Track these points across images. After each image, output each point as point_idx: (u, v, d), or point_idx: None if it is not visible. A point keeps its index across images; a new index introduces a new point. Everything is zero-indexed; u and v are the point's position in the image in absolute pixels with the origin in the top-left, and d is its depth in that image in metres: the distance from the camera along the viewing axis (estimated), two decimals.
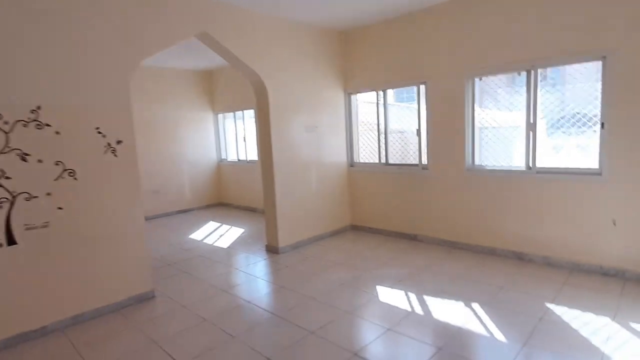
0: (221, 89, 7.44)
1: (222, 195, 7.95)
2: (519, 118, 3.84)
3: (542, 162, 3.74)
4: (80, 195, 2.97)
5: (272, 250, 4.57)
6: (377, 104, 4.91)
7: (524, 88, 3.73)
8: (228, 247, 4.90)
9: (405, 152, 4.81)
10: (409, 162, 4.78)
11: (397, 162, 4.89)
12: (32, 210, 2.75)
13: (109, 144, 3.10)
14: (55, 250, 2.86)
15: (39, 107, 2.76)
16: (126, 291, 3.24)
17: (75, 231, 2.95)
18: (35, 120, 2.74)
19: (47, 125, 2.80)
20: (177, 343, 2.65)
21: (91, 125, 3.01)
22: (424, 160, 4.56)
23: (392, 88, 4.78)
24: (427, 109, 4.40)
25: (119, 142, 3.15)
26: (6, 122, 2.62)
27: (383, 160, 4.97)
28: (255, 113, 6.59)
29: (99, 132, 3.05)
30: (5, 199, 2.63)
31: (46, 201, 2.81)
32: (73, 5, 2.89)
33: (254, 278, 3.79)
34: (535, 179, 3.72)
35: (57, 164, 2.85)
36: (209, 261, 4.34)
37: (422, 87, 4.44)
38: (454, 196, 4.31)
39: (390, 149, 4.93)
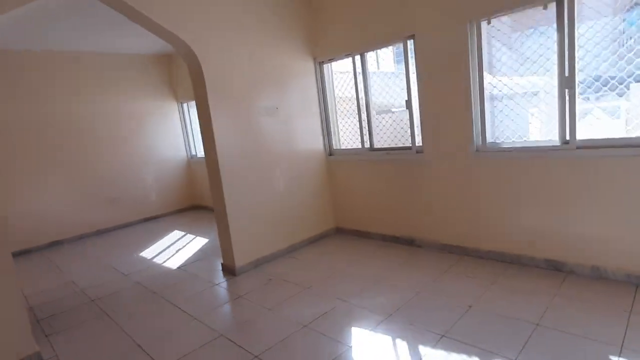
0: (184, 74, 6.34)
1: (195, 197, 6.94)
2: (542, 80, 2.71)
3: (583, 133, 2.61)
4: None
5: (228, 270, 3.55)
6: (355, 73, 3.79)
7: (553, 28, 2.58)
8: (178, 267, 3.89)
9: (396, 133, 3.70)
10: (399, 145, 3.68)
11: (386, 145, 3.80)
12: None
13: None
14: None
15: None
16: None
17: None
18: None
19: None
20: None
21: None
22: (418, 142, 3.45)
23: (373, 49, 3.64)
24: (417, 73, 3.27)
25: None
26: None
27: (367, 145, 3.87)
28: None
29: None
30: None
31: None
32: None
33: (189, 320, 2.76)
34: (576, 157, 2.60)
35: None
36: (143, 293, 3.34)
37: (411, 44, 3.31)
38: (460, 186, 3.21)
39: (376, 130, 3.82)
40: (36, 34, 4.45)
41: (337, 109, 4.23)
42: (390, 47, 3.59)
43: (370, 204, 3.97)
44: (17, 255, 4.91)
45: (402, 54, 3.37)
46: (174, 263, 4.03)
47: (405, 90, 3.41)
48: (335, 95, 4.20)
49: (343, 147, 4.24)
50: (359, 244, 3.92)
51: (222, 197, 3.40)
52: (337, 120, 4.25)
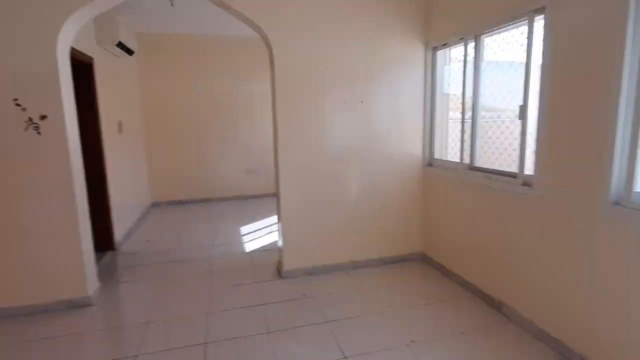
0: None
1: None
2: None
3: None
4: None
5: (278, 271, 3.36)
6: (465, 61, 2.82)
7: None
8: (250, 251, 3.95)
9: (502, 149, 2.62)
10: (502, 167, 2.59)
11: (487, 165, 2.75)
12: None
13: (30, 120, 2.58)
14: None
15: None
16: (55, 292, 2.76)
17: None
18: None
19: None
20: None
21: (9, 97, 2.53)
22: (528, 168, 2.33)
23: (488, 30, 2.60)
24: (543, 66, 2.15)
25: (43, 117, 2.59)
26: None
27: (467, 160, 2.89)
28: None
29: (19, 106, 2.55)
30: None
31: None
32: None
33: (197, 313, 2.72)
34: None
35: None
36: (201, 269, 3.51)
37: (539, 22, 2.19)
38: (583, 252, 2.01)
39: (480, 143, 2.81)
40: (198, 18, 5.10)
41: (448, 108, 3.32)
42: (512, 29, 2.47)
43: (458, 237, 3.02)
44: (170, 204, 6.07)
45: (526, 38, 2.27)
46: (251, 246, 4.11)
47: (522, 91, 2.31)
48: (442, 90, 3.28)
49: (443, 157, 3.33)
50: (438, 283, 3.06)
51: (279, 193, 3.18)
52: (447, 124, 3.34)
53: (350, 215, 3.33)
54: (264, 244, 4.16)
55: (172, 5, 4.22)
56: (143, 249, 4.09)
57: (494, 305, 2.64)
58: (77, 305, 2.79)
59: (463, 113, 2.87)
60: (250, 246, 4.10)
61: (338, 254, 3.36)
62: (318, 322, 2.53)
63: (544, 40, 2.12)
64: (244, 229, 4.72)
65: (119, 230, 4.19)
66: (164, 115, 6.01)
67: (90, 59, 3.69)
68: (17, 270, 2.67)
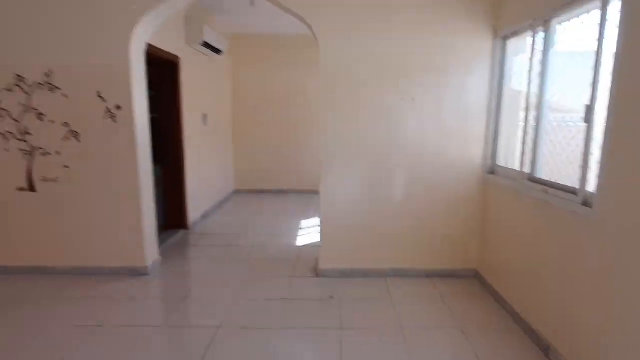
0: None
1: None
2: None
3: None
4: (84, 156, 3.08)
5: (316, 268, 3.32)
6: (533, 51, 2.35)
7: None
8: (302, 245, 3.99)
9: (563, 158, 2.12)
10: (565, 180, 2.09)
11: (550, 177, 2.25)
12: (47, 166, 3.10)
13: (108, 109, 3.02)
14: (63, 204, 3.15)
15: (51, 71, 2.99)
16: (119, 260, 3.20)
17: (80, 187, 3.12)
18: (49, 84, 3.00)
19: (56, 87, 3.00)
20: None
21: (93, 89, 3.00)
22: (590, 184, 1.84)
23: (560, 13, 2.11)
24: (617, 56, 1.66)
25: (118, 107, 3.01)
26: (29, 85, 3.00)
27: (527, 169, 2.42)
28: None
29: (101, 97, 3.01)
30: (28, 152, 3.08)
31: (56, 159, 3.09)
32: None
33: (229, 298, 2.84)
34: None
35: (65, 125, 3.05)
36: (243, 257, 3.67)
37: (614, 4, 1.70)
38: None
39: (544, 149, 2.32)
40: None
41: (518, 109, 2.83)
42: (583, 12, 1.95)
43: (515, 261, 2.56)
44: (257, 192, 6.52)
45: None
46: (305, 240, 4.15)
47: (590, 88, 1.83)
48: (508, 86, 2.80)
49: (508, 164, 2.84)
50: (485, 309, 2.66)
51: (321, 189, 3.13)
52: (516, 126, 2.86)
53: (395, 220, 3.11)
54: (317, 240, 4.16)
55: (252, 5, 4.48)
56: (211, 231, 4.47)
57: (542, 346, 2.18)
58: (136, 273, 3.19)
59: (527, 113, 2.41)
60: (304, 240, 4.14)
61: (379, 259, 3.17)
62: (331, 327, 2.43)
63: (622, 24, 1.64)
64: (306, 223, 4.79)
65: (193, 212, 4.65)
66: (251, 110, 6.45)
67: (176, 57, 4.14)
68: (94, 237, 3.17)
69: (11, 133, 3.05)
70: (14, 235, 3.18)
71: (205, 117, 5.03)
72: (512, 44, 2.76)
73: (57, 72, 2.97)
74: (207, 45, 4.64)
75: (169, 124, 4.25)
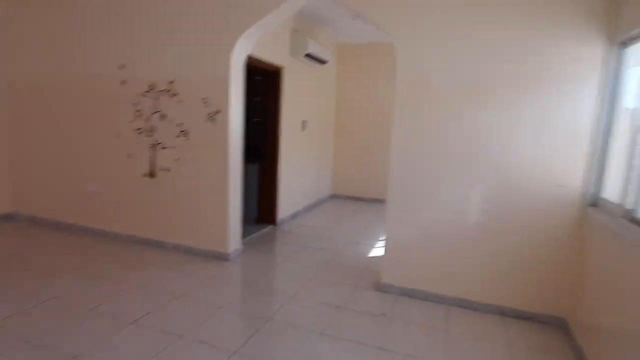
0: None
1: None
2: None
3: None
4: (190, 151, 3.64)
5: (377, 282, 3.23)
6: None
7: None
8: (373, 256, 3.93)
9: None
10: None
11: None
12: (164, 157, 3.76)
13: (210, 113, 3.50)
14: (172, 189, 3.77)
15: (173, 80, 3.61)
16: (207, 243, 3.68)
17: (185, 177, 3.70)
18: (170, 91, 3.64)
19: (175, 94, 3.62)
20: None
21: (200, 96, 3.52)
22: None
23: None
24: None
25: (217, 111, 3.47)
26: (157, 91, 3.69)
27: (630, 205, 1.94)
28: None
29: (205, 102, 3.51)
30: (153, 145, 3.79)
31: (171, 152, 3.72)
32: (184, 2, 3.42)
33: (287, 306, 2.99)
34: None
35: (179, 125, 3.65)
36: (316, 260, 3.79)
37: None
38: None
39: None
40: None
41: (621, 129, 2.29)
42: None
43: (616, 319, 2.08)
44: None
45: None
46: (379, 251, 4.08)
47: None
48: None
49: (613, 197, 2.31)
50: None
51: (387, 201, 3.07)
52: (633, 151, 2.32)
53: (469, 245, 2.84)
54: None
55: (354, 19, 4.62)
56: (296, 230, 4.76)
57: None
58: (218, 257, 3.63)
59: (634, 138, 1.95)
60: (378, 252, 4.08)
61: (443, 284, 2.94)
62: (371, 345, 2.36)
63: None
64: None
65: (284, 210, 5.01)
66: (353, 118, 6.61)
67: (280, 68, 4.54)
68: (192, 219, 3.71)
69: (142, 129, 3.80)
70: (136, 211, 3.95)
71: (304, 123, 5.37)
72: (632, 51, 2.25)
73: (177, 81, 3.59)
74: (310, 56, 4.94)
75: (269, 128, 4.68)
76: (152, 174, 3.82)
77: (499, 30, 2.62)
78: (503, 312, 2.80)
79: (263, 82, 4.64)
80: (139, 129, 3.80)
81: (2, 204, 4.48)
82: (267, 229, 4.71)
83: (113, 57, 3.80)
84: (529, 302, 2.74)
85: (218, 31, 3.37)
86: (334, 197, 6.85)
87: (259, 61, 4.10)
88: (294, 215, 5.35)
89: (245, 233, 4.32)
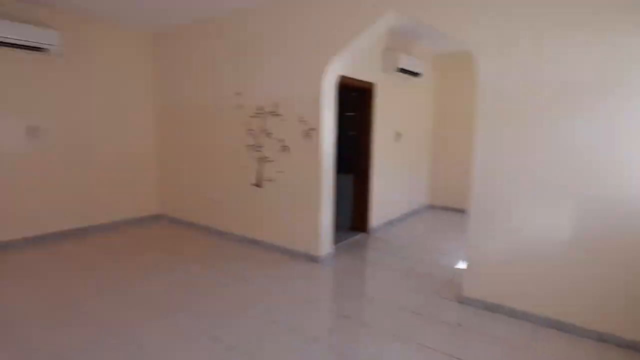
0: None
1: None
2: None
3: None
4: (290, 164, 4.17)
5: (460, 294, 3.22)
6: None
7: None
8: (458, 268, 3.88)
9: None
10: None
11: None
12: (269, 169, 4.37)
13: (306, 130, 3.97)
14: (276, 197, 4.35)
15: (277, 103, 4.20)
16: (304, 245, 4.13)
17: (285, 187, 4.23)
18: (274, 112, 4.23)
19: (279, 114, 4.19)
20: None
21: (298, 116, 4.02)
22: None
23: None
24: None
25: (312, 129, 3.92)
26: (265, 113, 4.32)
27: None
28: None
29: (302, 121, 4.00)
30: (261, 159, 4.43)
31: (274, 165, 4.31)
32: (282, 35, 3.93)
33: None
34: None
35: (280, 141, 4.22)
36: (399, 268, 3.90)
37: None
38: None
39: None
40: None
41: None
42: None
43: None
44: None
45: None
46: None
47: None
48: None
49: None
50: None
51: (470, 210, 3.08)
52: None
53: (567, 261, 2.68)
54: None
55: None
56: (387, 238, 4.94)
57: None
58: (310, 259, 4.05)
59: None
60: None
61: (531, 302, 2.81)
62: (440, 351, 2.45)
63: None
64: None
65: (376, 218, 5.24)
66: (450, 128, 6.51)
67: (371, 84, 4.83)
68: (290, 224, 4.22)
69: (253, 146, 4.48)
70: (247, 215, 4.64)
71: (398, 134, 5.53)
72: None
73: (279, 103, 4.16)
74: (403, 70, 5.11)
75: (362, 140, 4.99)
76: (259, 184, 4.47)
77: (597, 33, 2.46)
78: (602, 339, 2.56)
79: (357, 98, 4.98)
80: (250, 145, 4.50)
81: (153, 207, 5.71)
82: (360, 236, 4.99)
83: (232, 86, 4.59)
84: (633, 328, 2.46)
85: (311, 58, 3.83)
86: (430, 207, 6.79)
87: (352, 79, 4.46)
88: (387, 224, 5.52)
89: (339, 239, 4.69)
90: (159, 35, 5.39)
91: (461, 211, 6.44)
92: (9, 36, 3.85)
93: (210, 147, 4.97)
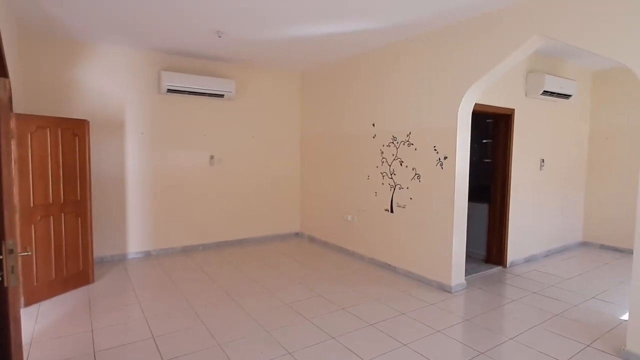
0: None
1: None
2: None
3: None
4: (421, 192, 4.28)
5: (622, 349, 2.79)
6: None
7: None
8: (622, 319, 3.32)
9: None
10: None
11: None
12: (400, 196, 4.55)
13: (439, 159, 4.04)
14: (406, 223, 4.48)
15: (410, 133, 4.38)
16: (434, 274, 4.13)
17: (416, 214, 4.35)
18: (407, 141, 4.42)
19: (411, 144, 4.36)
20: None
21: (431, 145, 4.12)
22: None
23: None
24: None
25: (445, 157, 3.97)
26: (397, 142, 4.55)
27: None
28: None
29: (435, 150, 4.08)
30: (392, 186, 4.65)
31: (406, 192, 4.47)
32: (417, 69, 4.08)
33: None
34: None
35: (412, 169, 4.37)
36: (535, 313, 3.54)
37: None
38: None
39: None
40: None
41: None
42: None
43: None
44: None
45: None
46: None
47: None
48: None
49: None
50: None
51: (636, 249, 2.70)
52: None
53: None
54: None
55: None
56: (527, 275, 4.54)
57: None
58: (441, 288, 4.02)
59: None
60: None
61: None
62: None
63: None
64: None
65: (514, 252, 4.87)
66: (610, 152, 5.64)
67: (510, 110, 4.62)
68: (419, 249, 4.29)
69: (386, 173, 4.73)
70: (378, 239, 4.87)
71: (542, 161, 5.08)
72: None
73: (412, 133, 4.34)
74: (549, 93, 4.75)
75: (499, 168, 4.76)
76: (391, 210, 4.67)
77: None
78: None
79: (493, 125, 4.81)
80: (383, 172, 4.76)
81: (295, 226, 6.45)
82: (495, 269, 4.71)
83: (368, 118, 4.97)
84: None
85: (446, 89, 3.93)
86: (585, 244, 5.91)
87: (488, 106, 4.36)
88: (529, 260, 5.06)
89: (472, 270, 4.54)
90: (305, 74, 6.19)
91: (624, 251, 5.46)
92: (207, 88, 5.07)
93: (346, 173, 5.41)
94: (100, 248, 4.78)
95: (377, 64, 4.78)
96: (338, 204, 5.58)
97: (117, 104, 4.85)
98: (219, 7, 3.43)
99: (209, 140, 5.51)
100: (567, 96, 5.00)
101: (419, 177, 4.29)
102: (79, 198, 3.90)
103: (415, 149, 4.31)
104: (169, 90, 4.94)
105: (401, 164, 4.51)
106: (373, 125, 4.88)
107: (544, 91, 4.66)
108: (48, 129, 3.58)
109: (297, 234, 6.46)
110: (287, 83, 6.21)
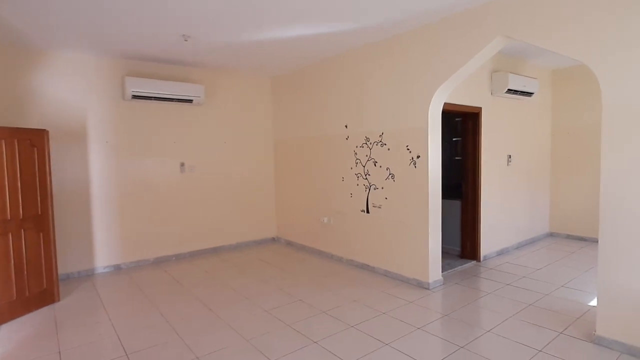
0: None
1: None
2: None
3: None
4: (396, 191, 4.32)
5: (592, 333, 2.91)
6: None
7: None
8: (591, 305, 3.47)
9: None
10: None
11: None
12: (376, 196, 4.58)
13: (412, 158, 4.10)
14: (383, 223, 4.51)
15: (382, 133, 4.43)
16: (411, 272, 4.18)
17: (392, 213, 4.38)
18: (380, 142, 4.46)
19: (384, 144, 4.41)
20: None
21: (404, 144, 4.17)
22: None
23: None
24: None
25: (418, 156, 4.03)
26: (371, 143, 4.58)
27: None
28: None
29: (408, 149, 4.14)
30: (367, 187, 4.68)
31: (381, 192, 4.50)
32: (385, 71, 4.14)
33: None
34: None
35: (387, 169, 4.41)
36: (513, 301, 3.65)
37: None
38: None
39: None
40: None
41: None
42: None
43: None
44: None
45: None
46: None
47: None
48: None
49: None
50: None
51: (601, 235, 2.82)
52: None
53: None
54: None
55: None
56: (499, 267, 4.67)
57: None
58: (419, 285, 4.07)
59: None
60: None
61: None
62: None
63: None
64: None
65: (487, 246, 5.00)
66: (572, 147, 5.92)
67: (478, 108, 4.76)
68: (396, 249, 4.32)
69: (360, 174, 4.75)
70: (355, 240, 4.88)
71: (509, 157, 5.26)
72: None
73: (385, 133, 4.39)
74: (513, 91, 4.92)
75: (469, 165, 4.89)
76: (367, 210, 4.69)
77: None
78: None
79: (462, 123, 4.94)
80: (357, 173, 4.78)
81: (271, 231, 6.37)
82: (470, 264, 4.82)
83: (340, 120, 4.99)
84: None
85: (416, 91, 3.99)
86: (551, 235, 6.17)
87: (457, 105, 4.47)
88: (501, 253, 5.21)
89: (447, 266, 4.62)
90: (277, 78, 6.14)
91: (588, 240, 5.73)
92: (174, 93, 4.93)
93: (321, 176, 5.40)
94: (65, 264, 4.54)
95: (348, 67, 4.81)
96: (314, 207, 5.56)
97: (79, 113, 4.63)
98: (184, 12, 3.34)
99: (179, 147, 5.35)
100: (529, 94, 5.20)
101: (393, 176, 4.33)
102: (39, 212, 3.68)
103: (389, 149, 4.36)
104: (134, 97, 4.77)
105: (375, 165, 4.54)
106: (346, 126, 4.90)
107: (508, 89, 4.84)
108: (3, 141, 3.36)
109: (273, 239, 6.39)
110: (258, 87, 6.14)
